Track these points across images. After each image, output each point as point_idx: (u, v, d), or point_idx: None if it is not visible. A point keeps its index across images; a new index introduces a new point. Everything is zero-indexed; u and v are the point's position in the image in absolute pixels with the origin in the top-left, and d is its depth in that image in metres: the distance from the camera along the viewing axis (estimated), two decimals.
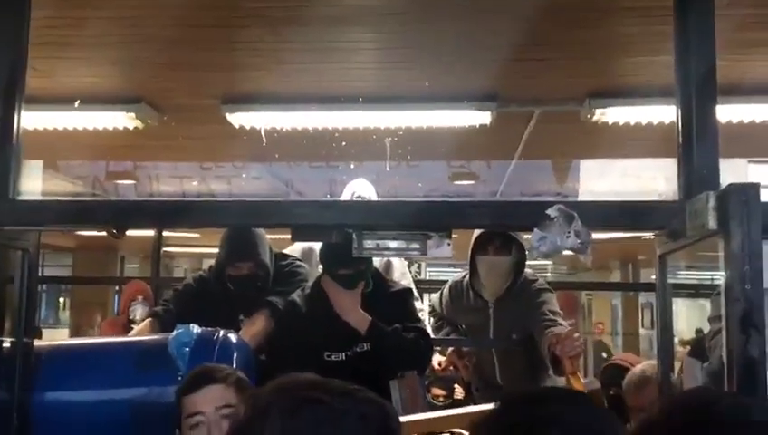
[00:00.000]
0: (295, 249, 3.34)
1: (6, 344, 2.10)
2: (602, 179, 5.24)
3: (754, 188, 1.27)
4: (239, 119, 3.55)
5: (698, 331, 4.14)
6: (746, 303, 1.21)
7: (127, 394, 2.24)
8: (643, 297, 10.56)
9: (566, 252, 1.80)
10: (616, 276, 11.58)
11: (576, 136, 4.14)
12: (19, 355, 2.03)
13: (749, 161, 4.09)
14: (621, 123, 3.59)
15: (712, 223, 1.31)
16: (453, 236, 2.00)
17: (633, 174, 4.85)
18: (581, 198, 5.25)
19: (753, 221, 1.23)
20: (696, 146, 1.81)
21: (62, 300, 15.60)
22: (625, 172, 4.97)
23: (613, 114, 3.49)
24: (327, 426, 0.80)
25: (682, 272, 11.16)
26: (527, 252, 2.83)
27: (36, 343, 2.30)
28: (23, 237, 2.06)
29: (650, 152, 3.73)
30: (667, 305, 2.00)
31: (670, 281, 1.95)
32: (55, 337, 10.43)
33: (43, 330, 9.85)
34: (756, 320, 1.20)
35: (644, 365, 2.73)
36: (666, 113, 3.20)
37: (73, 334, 9.11)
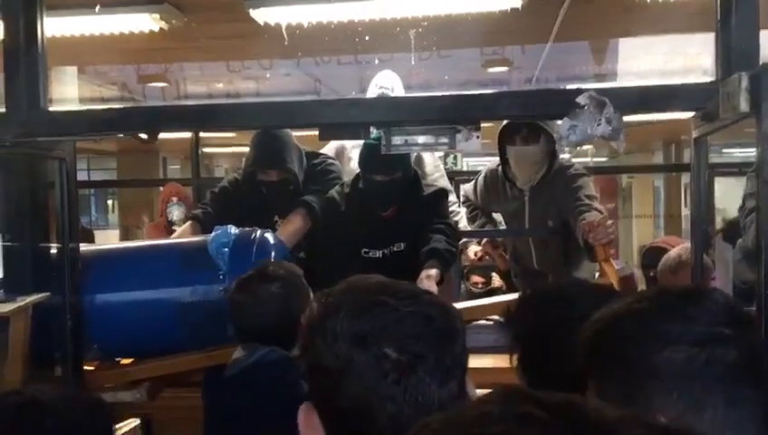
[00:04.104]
0: (329, 147, 3.35)
1: (54, 250, 2.19)
2: (644, 59, 5.05)
3: None
4: (263, 15, 3.47)
5: (730, 221, 4.08)
6: None
7: (174, 294, 2.34)
8: (687, 178, 10.36)
9: None
10: (658, 158, 11.36)
11: (613, 14, 3.95)
12: (66, 260, 2.12)
13: None
14: None
15: (744, 105, 1.26)
16: (487, 124, 1.98)
17: (679, 51, 4.65)
18: (621, 79, 5.08)
19: None
20: (734, 18, 1.72)
21: (110, 202, 16.03)
22: (671, 50, 4.77)
23: None
24: (392, 326, 0.84)
25: (728, 150, 10.88)
26: (556, 142, 2.79)
27: (84, 247, 2.39)
28: (59, 147, 2.11)
29: (693, 28, 3.56)
30: (701, 189, 1.97)
31: (712, 161, 1.91)
32: (107, 238, 10.80)
33: (95, 232, 10.19)
34: None
35: (680, 249, 2.71)
36: None
37: (123, 236, 9.41)
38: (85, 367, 2.30)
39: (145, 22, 3.55)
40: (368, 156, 2.69)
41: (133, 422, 2.60)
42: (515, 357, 1.27)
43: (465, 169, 7.54)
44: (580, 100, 1.71)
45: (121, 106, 4.84)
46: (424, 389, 0.82)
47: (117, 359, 2.48)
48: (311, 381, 0.88)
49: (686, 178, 10.46)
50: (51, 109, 2.17)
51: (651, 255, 3.09)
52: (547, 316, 1.27)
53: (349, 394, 0.83)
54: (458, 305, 2.60)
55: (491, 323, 2.79)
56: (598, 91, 1.73)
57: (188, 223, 2.93)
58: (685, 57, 4.65)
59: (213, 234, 2.37)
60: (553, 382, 1.03)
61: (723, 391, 0.75)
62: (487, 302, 2.70)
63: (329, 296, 0.90)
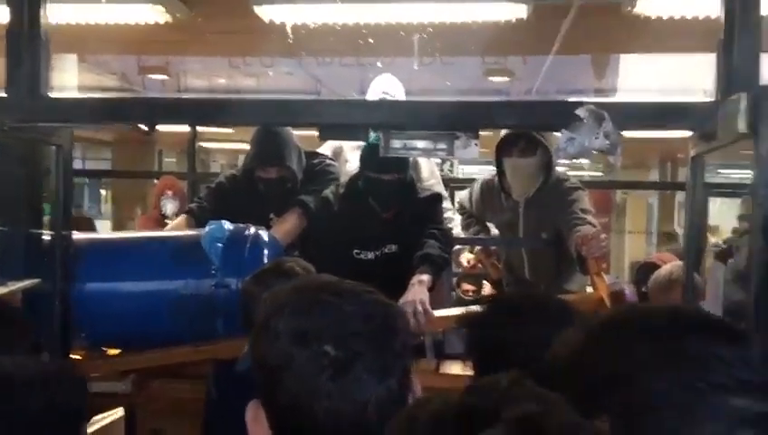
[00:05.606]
0: (326, 147, 3.35)
1: (46, 237, 2.18)
2: (644, 76, 5.08)
3: None
4: (268, 12, 3.48)
5: (726, 240, 4.10)
6: None
7: (164, 286, 2.34)
8: (681, 196, 10.41)
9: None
10: (654, 175, 11.40)
11: (616, 30, 3.97)
12: (58, 247, 2.11)
13: None
14: (665, 17, 3.42)
15: (742, 125, 1.27)
16: (484, 133, 1.99)
17: (679, 70, 4.68)
18: (620, 94, 5.10)
19: None
20: (736, 40, 1.73)
21: (103, 192, 15.95)
22: (670, 68, 4.80)
23: (656, 6, 3.32)
24: (333, 326, 0.86)
25: (724, 170, 10.91)
26: (553, 154, 2.80)
27: (77, 235, 2.38)
28: (57, 133, 2.11)
29: (694, 48, 3.55)
30: (697, 208, 1.98)
31: (708, 180, 1.91)
32: (99, 228, 10.75)
33: None
34: None
35: (671, 266, 2.72)
36: (712, 6, 3.03)
37: (116, 227, 9.38)
38: (72, 356, 2.29)
39: (149, 13, 3.55)
40: (371, 155, 2.68)
41: (117, 413, 2.60)
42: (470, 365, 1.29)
43: (460, 175, 7.54)
44: (580, 112, 1.72)
45: (122, 96, 4.82)
46: (361, 385, 0.84)
47: (103, 348, 2.47)
48: (256, 379, 0.90)
49: (680, 197, 10.53)
50: (51, 95, 2.17)
51: (645, 271, 3.11)
52: (497, 329, 1.29)
53: (288, 391, 0.85)
54: (442, 312, 2.61)
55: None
56: (597, 105, 1.74)
57: (183, 216, 2.92)
58: (683, 76, 4.68)
59: (207, 228, 2.37)
60: None
61: None
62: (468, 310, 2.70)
63: (275, 296, 0.92)
